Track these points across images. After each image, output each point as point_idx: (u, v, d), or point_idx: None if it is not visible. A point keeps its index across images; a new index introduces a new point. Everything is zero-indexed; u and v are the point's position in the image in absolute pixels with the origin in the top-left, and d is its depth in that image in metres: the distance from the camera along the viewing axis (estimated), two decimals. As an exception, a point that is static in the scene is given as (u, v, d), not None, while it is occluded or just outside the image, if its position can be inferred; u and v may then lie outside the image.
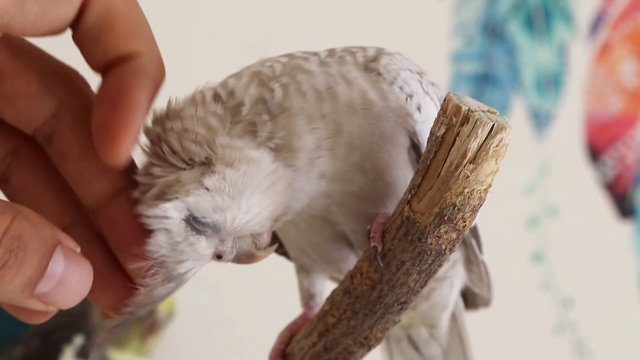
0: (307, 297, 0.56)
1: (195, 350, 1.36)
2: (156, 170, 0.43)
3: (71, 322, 1.13)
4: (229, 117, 0.45)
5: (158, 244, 0.42)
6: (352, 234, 0.50)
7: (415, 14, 1.40)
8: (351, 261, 0.52)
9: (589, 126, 1.48)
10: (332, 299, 0.50)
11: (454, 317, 0.65)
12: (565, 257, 1.46)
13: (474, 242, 0.58)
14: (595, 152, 1.48)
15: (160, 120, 0.44)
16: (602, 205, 1.48)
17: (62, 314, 1.11)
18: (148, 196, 0.42)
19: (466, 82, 1.43)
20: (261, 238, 0.46)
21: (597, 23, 1.47)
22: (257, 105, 0.45)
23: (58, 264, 0.38)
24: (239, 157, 0.43)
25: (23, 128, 0.43)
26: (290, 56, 0.48)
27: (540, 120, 1.46)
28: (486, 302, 0.66)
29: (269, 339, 0.56)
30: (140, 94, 0.40)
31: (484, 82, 1.44)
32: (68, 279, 0.39)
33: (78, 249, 0.40)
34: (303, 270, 0.55)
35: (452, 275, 0.60)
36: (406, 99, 0.48)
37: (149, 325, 1.13)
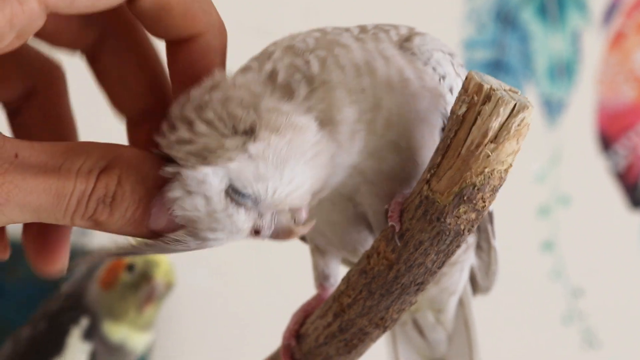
0: (322, 277, 0.56)
1: (201, 335, 1.36)
2: (200, 128, 0.42)
3: (77, 304, 1.13)
4: (269, 85, 0.44)
5: (194, 206, 0.41)
6: (373, 215, 0.49)
7: (428, 0, 1.39)
8: (368, 244, 0.51)
9: (601, 115, 1.47)
10: (348, 279, 0.50)
11: (461, 303, 0.65)
12: (576, 247, 1.46)
13: (489, 227, 0.58)
14: (607, 141, 1.47)
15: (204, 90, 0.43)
16: (613, 195, 1.47)
17: (68, 296, 1.11)
18: (186, 150, 0.41)
19: (478, 69, 1.41)
20: (300, 213, 0.45)
21: (610, 11, 1.46)
22: (294, 75, 0.45)
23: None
24: (285, 122, 0.42)
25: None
26: (322, 31, 0.48)
27: (552, 109, 1.45)
28: (485, 290, 0.66)
29: (278, 321, 0.56)
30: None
31: (496, 69, 1.43)
32: None
33: None
34: (318, 251, 0.55)
35: (464, 260, 0.60)
36: (439, 80, 0.47)
37: (147, 295, 1.12)
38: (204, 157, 0.41)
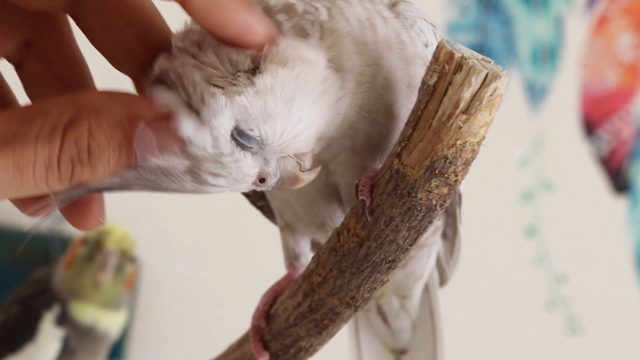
0: (292, 257, 0.54)
1: (180, 315, 1.35)
2: (209, 57, 0.40)
3: (48, 289, 1.12)
4: (283, 17, 0.43)
5: (203, 141, 0.38)
6: (345, 187, 0.48)
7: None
8: (337, 219, 0.50)
9: (585, 100, 1.46)
10: (318, 257, 0.48)
11: (426, 289, 0.63)
12: (559, 232, 1.45)
13: (458, 211, 0.56)
14: (590, 126, 1.46)
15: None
16: (596, 180, 1.47)
17: (39, 280, 1.10)
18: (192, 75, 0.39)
19: (461, 53, 1.41)
20: (305, 158, 0.43)
21: (594, -5, 1.45)
22: (305, 15, 0.43)
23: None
24: (294, 55, 0.40)
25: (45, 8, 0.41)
26: None
27: (535, 93, 1.44)
28: (444, 281, 0.64)
29: (252, 302, 0.55)
30: (234, 19, 0.39)
31: (479, 53, 1.42)
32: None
33: None
34: (288, 229, 0.54)
35: (431, 244, 0.58)
36: (423, 48, 0.46)
37: (100, 264, 1.11)
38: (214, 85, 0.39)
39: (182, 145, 0.38)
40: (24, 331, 1.10)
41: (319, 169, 0.44)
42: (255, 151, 0.40)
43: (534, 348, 1.44)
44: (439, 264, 0.63)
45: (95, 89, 0.42)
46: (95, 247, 1.11)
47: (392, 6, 0.47)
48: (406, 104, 0.45)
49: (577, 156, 1.46)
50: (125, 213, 1.17)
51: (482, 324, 1.40)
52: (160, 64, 0.40)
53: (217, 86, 0.39)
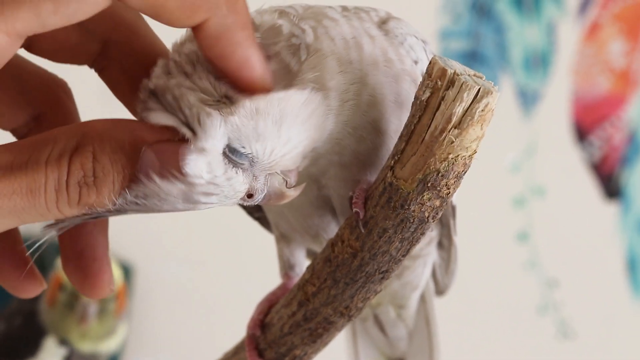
0: (287, 267, 0.55)
1: (174, 321, 1.35)
2: (202, 80, 0.41)
3: None
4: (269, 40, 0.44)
5: (197, 172, 0.40)
6: (338, 200, 0.49)
7: (404, -10, 1.39)
8: (331, 230, 0.51)
9: (577, 106, 1.47)
10: (312, 267, 0.49)
11: (422, 299, 0.64)
12: (551, 237, 1.46)
13: (452, 222, 0.57)
14: (582, 132, 1.47)
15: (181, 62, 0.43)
16: (588, 186, 1.48)
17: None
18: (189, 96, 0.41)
19: (454, 59, 1.42)
20: (291, 175, 0.44)
21: (586, 2, 1.46)
22: (291, 38, 0.44)
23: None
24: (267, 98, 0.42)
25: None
26: (306, 5, 0.47)
27: (527, 99, 1.45)
28: (442, 291, 0.65)
29: (247, 308, 0.55)
30: (238, 53, 0.40)
31: (471, 60, 1.43)
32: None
33: None
34: (283, 239, 0.54)
35: (426, 254, 0.59)
36: (412, 65, 0.47)
37: (81, 315, 1.11)
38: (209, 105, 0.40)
39: (180, 169, 0.40)
40: (26, 345, 1.10)
41: (303, 185, 0.45)
42: (246, 168, 0.42)
43: (526, 353, 1.45)
44: (435, 275, 0.64)
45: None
46: (72, 296, 1.10)
47: (382, 24, 0.48)
48: (393, 120, 0.46)
49: (569, 162, 1.47)
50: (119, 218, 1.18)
51: (473, 329, 1.41)
52: (157, 79, 0.42)
53: (211, 107, 0.41)
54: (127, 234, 1.16)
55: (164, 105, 0.41)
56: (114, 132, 0.39)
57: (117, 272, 1.13)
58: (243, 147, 0.41)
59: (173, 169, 0.39)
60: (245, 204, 0.44)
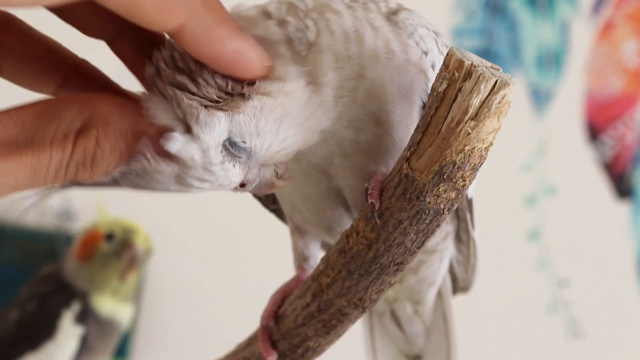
0: (301, 259, 0.55)
1: (185, 315, 1.35)
2: (203, 77, 0.42)
3: (65, 286, 1.13)
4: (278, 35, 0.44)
5: (193, 153, 0.41)
6: (348, 191, 0.49)
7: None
8: (344, 222, 0.51)
9: (589, 105, 1.47)
10: (327, 258, 0.49)
11: (439, 295, 0.64)
12: (561, 237, 1.46)
13: (468, 216, 0.57)
14: (594, 132, 1.47)
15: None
16: (600, 185, 1.47)
17: (53, 278, 1.10)
18: (188, 95, 0.41)
19: (466, 57, 1.42)
20: (283, 167, 0.46)
21: (600, 1, 1.46)
22: (296, 37, 0.45)
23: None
24: (276, 88, 0.43)
25: None
26: None
27: (540, 98, 1.45)
28: (465, 287, 0.65)
29: (259, 301, 0.56)
30: (226, 47, 0.40)
31: (484, 58, 1.42)
32: None
33: None
34: (297, 231, 0.54)
35: (443, 249, 0.59)
36: (422, 56, 0.47)
37: (129, 261, 1.13)
38: (212, 102, 0.41)
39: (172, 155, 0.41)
40: (42, 329, 1.11)
41: (292, 176, 0.47)
42: (243, 160, 0.43)
43: (535, 352, 1.45)
44: (453, 271, 0.63)
45: (106, 92, 0.44)
46: (123, 245, 1.13)
47: (393, 14, 0.48)
48: (395, 110, 0.46)
49: (581, 161, 1.46)
50: (130, 211, 1.18)
51: (483, 328, 1.41)
52: (164, 68, 0.42)
53: (211, 105, 0.41)
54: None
55: (166, 95, 0.42)
56: (119, 117, 0.40)
57: (146, 234, 1.15)
58: (243, 142, 0.43)
59: (166, 153, 0.41)
60: (235, 192, 0.45)
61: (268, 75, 0.43)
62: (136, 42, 0.43)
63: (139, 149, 0.40)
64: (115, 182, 0.41)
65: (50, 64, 0.43)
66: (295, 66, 0.44)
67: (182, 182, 0.42)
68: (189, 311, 1.35)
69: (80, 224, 1.24)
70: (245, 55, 0.41)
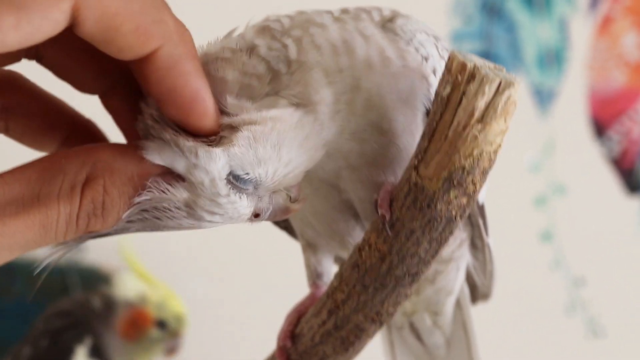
0: (315, 276, 0.54)
1: (201, 337, 1.35)
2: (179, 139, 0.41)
3: (79, 322, 1.12)
4: (241, 73, 0.43)
5: (200, 180, 0.41)
6: (359, 203, 0.48)
7: (413, -5, 1.38)
8: (357, 234, 0.50)
9: (593, 101, 1.46)
10: (340, 274, 0.48)
11: (458, 305, 0.63)
12: (575, 235, 1.45)
13: (481, 222, 0.56)
14: (600, 128, 1.46)
15: None
16: (609, 181, 1.46)
17: (67, 313, 1.10)
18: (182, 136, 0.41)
19: (467, 61, 1.41)
20: (295, 190, 0.45)
21: (597, -4, 1.45)
22: (271, 57, 0.44)
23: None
24: (260, 116, 0.42)
25: None
26: (300, 12, 0.47)
27: (543, 97, 1.44)
28: (485, 295, 0.64)
29: (276, 323, 0.55)
30: (190, 84, 0.39)
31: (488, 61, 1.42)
32: None
33: None
34: (310, 248, 0.54)
35: (458, 257, 0.58)
36: (422, 61, 0.46)
37: (171, 348, 1.14)
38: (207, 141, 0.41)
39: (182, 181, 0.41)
40: None
41: (306, 197, 0.46)
42: (250, 192, 0.43)
43: (557, 354, 1.44)
44: (471, 278, 0.62)
45: (104, 142, 0.44)
46: (173, 333, 1.13)
47: (388, 22, 0.47)
48: (398, 118, 0.46)
49: (589, 158, 1.45)
50: (143, 236, 1.17)
51: (502, 333, 1.40)
52: (149, 119, 0.41)
53: (206, 144, 0.41)
54: (154, 252, 1.16)
55: (164, 139, 0.41)
56: (123, 163, 0.40)
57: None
58: (247, 174, 0.42)
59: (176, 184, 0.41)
60: (252, 223, 0.44)
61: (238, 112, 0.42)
62: (126, 97, 0.43)
63: (149, 183, 0.40)
64: (128, 225, 0.41)
65: (53, 121, 0.44)
66: (275, 91, 0.43)
67: (193, 214, 0.41)
68: (204, 333, 1.35)
69: (90, 256, 1.23)
70: (204, 99, 0.40)
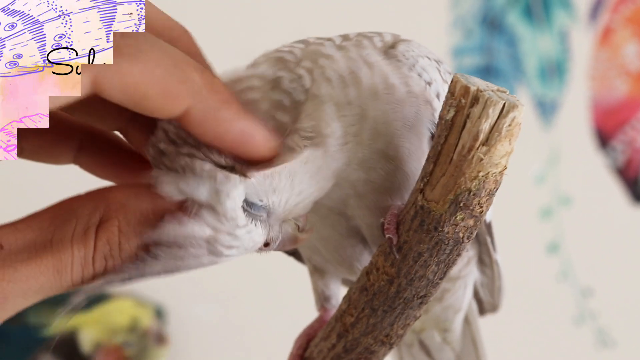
0: (323, 299, 0.54)
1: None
2: (201, 165, 0.41)
3: (76, 355, 1.12)
4: (270, 104, 0.44)
5: (218, 222, 0.41)
6: (367, 229, 0.48)
7: (413, 9, 1.39)
8: (365, 259, 0.50)
9: (596, 112, 1.46)
10: (349, 297, 0.48)
11: (467, 321, 0.63)
12: (582, 246, 1.44)
13: (488, 240, 0.56)
14: (604, 138, 1.46)
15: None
16: (614, 191, 1.46)
17: (66, 346, 1.10)
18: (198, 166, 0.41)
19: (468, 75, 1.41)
20: (303, 220, 0.46)
21: (597, 7, 1.46)
22: (293, 89, 0.44)
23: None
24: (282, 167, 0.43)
25: None
26: (305, 42, 0.47)
27: (546, 109, 1.44)
28: (493, 308, 0.64)
29: (285, 347, 0.55)
30: (232, 129, 0.40)
31: (486, 74, 1.42)
32: None
33: None
34: (317, 272, 0.54)
35: (466, 275, 0.58)
36: (425, 86, 0.46)
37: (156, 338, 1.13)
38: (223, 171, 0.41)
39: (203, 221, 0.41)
40: None
41: (314, 226, 0.47)
42: (264, 219, 0.43)
43: (567, 364, 1.44)
44: (477, 294, 0.62)
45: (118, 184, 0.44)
46: (142, 335, 1.14)
47: (390, 48, 0.47)
48: (404, 144, 0.46)
49: (593, 169, 1.45)
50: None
51: (511, 345, 1.39)
52: (165, 145, 0.42)
53: (224, 169, 0.41)
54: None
55: (178, 169, 0.41)
56: (136, 202, 0.40)
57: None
58: (261, 200, 0.42)
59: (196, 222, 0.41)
60: (261, 252, 0.45)
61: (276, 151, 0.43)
62: (146, 127, 0.42)
63: (167, 219, 0.40)
64: (146, 268, 0.40)
65: (64, 132, 0.43)
66: (293, 120, 0.44)
67: (213, 250, 0.41)
68: (213, 356, 1.34)
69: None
70: (252, 135, 0.41)
